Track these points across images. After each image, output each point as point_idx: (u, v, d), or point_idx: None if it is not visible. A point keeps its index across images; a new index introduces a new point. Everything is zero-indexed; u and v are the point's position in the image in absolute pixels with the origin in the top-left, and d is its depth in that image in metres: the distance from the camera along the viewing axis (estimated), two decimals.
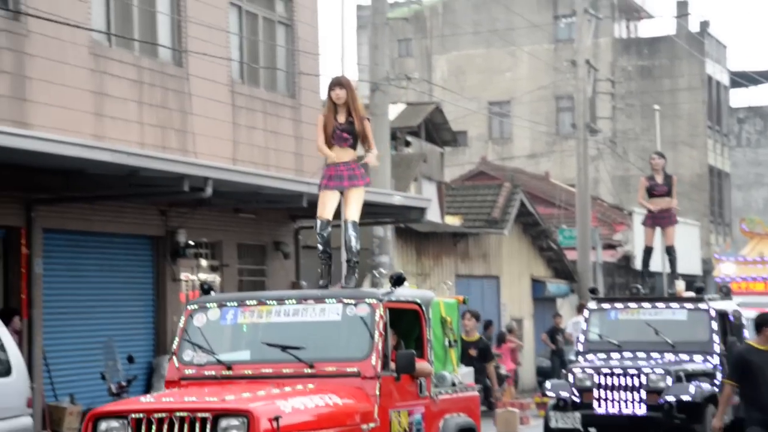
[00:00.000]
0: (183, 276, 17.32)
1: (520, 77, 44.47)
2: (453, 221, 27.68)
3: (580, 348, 15.03)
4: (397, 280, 9.01)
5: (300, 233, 20.68)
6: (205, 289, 9.18)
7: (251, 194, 16.51)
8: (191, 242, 17.15)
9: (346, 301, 8.68)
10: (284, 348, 8.56)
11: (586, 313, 15.30)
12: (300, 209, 17.71)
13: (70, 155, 12.63)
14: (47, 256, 14.69)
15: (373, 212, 19.68)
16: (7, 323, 11.18)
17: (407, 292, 9.27)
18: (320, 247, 9.25)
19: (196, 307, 8.94)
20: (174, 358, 8.81)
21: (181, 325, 8.86)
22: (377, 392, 8.55)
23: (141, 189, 14.87)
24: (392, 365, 8.72)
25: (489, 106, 44.17)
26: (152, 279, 16.84)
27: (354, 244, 9.17)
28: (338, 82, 9.40)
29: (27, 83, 14.14)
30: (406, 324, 9.40)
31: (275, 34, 19.93)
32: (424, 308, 9.32)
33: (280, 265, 19.93)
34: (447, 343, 9.90)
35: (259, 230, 19.35)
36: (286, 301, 8.77)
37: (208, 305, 8.90)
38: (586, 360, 14.78)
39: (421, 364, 9.03)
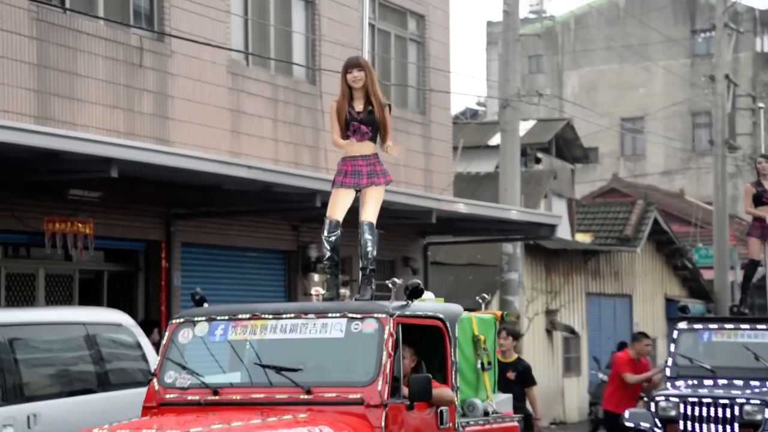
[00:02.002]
0: (314, 290, 17.87)
1: (655, 93, 44.23)
2: (584, 238, 27.81)
3: (668, 373, 13.41)
4: (414, 292, 7.74)
5: (429, 249, 21.13)
6: (197, 300, 7.98)
7: (381, 210, 16.96)
8: (322, 257, 17.73)
9: (350, 315, 7.52)
10: (279, 370, 7.43)
11: (675, 333, 13.71)
12: (429, 225, 18.15)
13: (208, 171, 13.28)
14: (185, 269, 15.43)
15: (501, 228, 20.03)
16: (147, 334, 11.84)
17: (428, 305, 8.09)
18: (327, 253, 8.14)
19: (181, 320, 7.83)
20: (154, 380, 7.72)
21: (164, 341, 7.80)
22: (383, 423, 7.30)
23: (275, 204, 15.51)
24: (405, 391, 7.56)
25: (621, 122, 44.05)
26: (284, 293, 17.47)
27: (370, 249, 8.12)
28: (357, 63, 8.27)
29: (169, 102, 14.90)
30: (429, 343, 8.22)
31: (407, 52, 20.46)
32: (448, 325, 8.08)
33: (408, 281, 20.41)
34: (479, 365, 8.60)
35: (388, 246, 19.83)
36: (284, 315, 7.62)
37: (195, 319, 7.77)
38: (673, 386, 13.18)
39: (440, 391, 7.84)
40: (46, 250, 13.09)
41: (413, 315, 7.77)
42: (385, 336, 7.43)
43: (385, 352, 7.39)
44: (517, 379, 12.29)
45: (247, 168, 13.92)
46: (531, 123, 28.27)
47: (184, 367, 7.67)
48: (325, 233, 8.14)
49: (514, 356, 12.44)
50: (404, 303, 7.68)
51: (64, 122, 13.09)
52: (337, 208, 8.24)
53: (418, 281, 7.82)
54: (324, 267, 8.23)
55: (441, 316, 8.06)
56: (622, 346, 22.79)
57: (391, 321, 7.50)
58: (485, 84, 53.73)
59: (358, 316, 7.52)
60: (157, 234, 15.00)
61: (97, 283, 14.59)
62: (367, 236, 8.14)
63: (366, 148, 8.24)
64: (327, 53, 17.92)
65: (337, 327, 7.52)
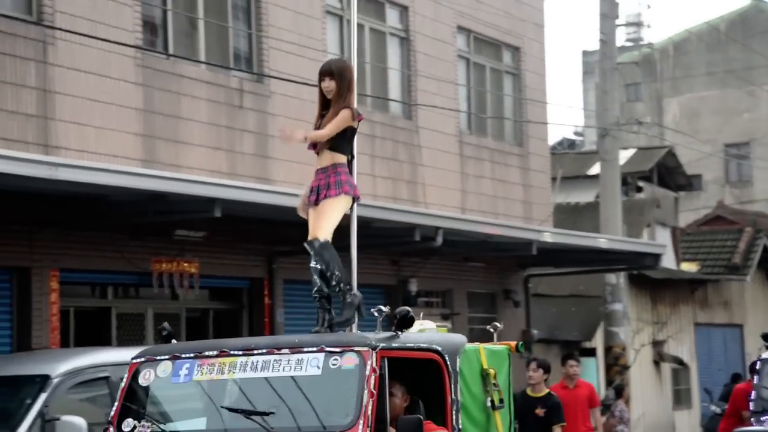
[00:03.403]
0: (417, 324, 18.34)
1: (761, 117, 43.91)
2: (689, 267, 27.81)
3: (752, 407, 12.30)
4: (403, 321, 6.86)
5: (530, 281, 21.42)
6: (164, 335, 7.31)
7: (480, 243, 17.40)
8: (422, 291, 18.18)
9: (328, 349, 6.68)
10: (248, 414, 6.65)
11: (758, 364, 12.53)
12: (529, 257, 18.47)
13: None
14: (287, 305, 15.97)
15: (604, 259, 20.25)
16: None
17: (421, 336, 7.25)
18: (316, 282, 7.30)
19: (142, 360, 7.06)
20: (111, 428, 6.94)
21: (122, 384, 7.08)
22: None
23: (374, 240, 15.99)
24: None
25: (725, 148, 43.78)
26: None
27: (329, 264, 7.21)
28: (327, 70, 7.49)
29: (269, 141, 15.53)
30: (429, 380, 7.34)
31: (502, 84, 20.88)
32: (446, 358, 7.18)
33: (510, 314, 20.72)
34: (489, 403, 7.69)
35: (488, 278, 20.22)
36: (254, 351, 6.81)
37: (157, 357, 7.02)
38: (759, 422, 12.10)
39: None
40: (154, 289, 13.73)
41: (402, 347, 6.88)
42: (367, 372, 6.56)
43: (366, 391, 6.52)
44: (546, 417, 11.36)
45: None
46: (631, 151, 28.43)
47: (143, 414, 6.91)
48: (312, 263, 7.26)
49: (545, 391, 11.52)
50: (391, 334, 6.84)
51: (169, 165, 13.75)
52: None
53: (407, 309, 6.94)
54: (315, 298, 7.36)
55: (437, 347, 7.15)
56: (736, 378, 22.49)
57: (374, 355, 6.60)
58: (582, 114, 53.80)
59: (337, 349, 6.66)
60: (260, 272, 15.58)
61: (203, 321, 15.20)
62: (318, 251, 7.20)
63: (324, 158, 7.51)
64: (423, 88, 18.43)
65: (313, 363, 6.69)
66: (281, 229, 15.04)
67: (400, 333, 6.86)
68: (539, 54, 21.61)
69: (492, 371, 7.69)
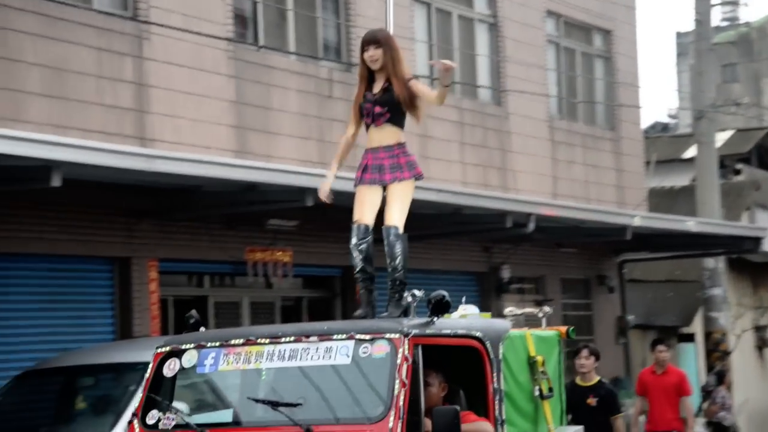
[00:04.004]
0: (507, 311, 18.74)
1: None
2: None
3: None
4: (438, 305, 6.59)
5: (624, 266, 21.67)
6: (192, 323, 7.10)
7: (573, 229, 17.74)
8: (515, 278, 18.57)
9: (359, 337, 6.48)
10: (275, 405, 6.47)
11: None
12: (623, 242, 18.74)
13: None
14: (380, 292, 16.44)
15: (701, 243, 20.42)
16: None
17: (459, 322, 7.04)
18: (357, 263, 7.10)
19: (167, 349, 6.92)
20: (135, 420, 6.84)
21: (147, 374, 6.95)
22: None
23: (465, 227, 16.43)
24: (429, 426, 6.52)
25: None
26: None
27: (399, 258, 7.03)
28: (373, 38, 7.12)
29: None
30: (471, 368, 7.15)
31: (593, 68, 21.15)
32: (488, 345, 6.97)
33: (605, 300, 21.02)
34: (538, 392, 7.49)
35: (581, 264, 20.52)
36: (282, 339, 6.64)
37: (183, 347, 6.87)
38: None
39: (475, 425, 6.85)
40: (249, 278, 14.33)
41: (438, 334, 6.67)
42: (398, 360, 6.33)
43: (398, 381, 6.29)
44: (599, 407, 11.03)
45: (436, 191, 14.88)
46: (728, 133, 28.41)
47: (168, 406, 6.77)
48: (354, 241, 7.06)
49: (596, 379, 11.23)
50: (426, 320, 6.61)
51: (261, 155, 14.32)
52: (364, 209, 7.13)
53: (443, 293, 6.61)
54: (357, 280, 7.17)
55: (477, 334, 6.92)
56: None
57: (406, 342, 6.39)
58: (676, 96, 53.46)
59: (367, 337, 6.46)
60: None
61: (297, 309, 15.78)
62: (393, 242, 7.01)
63: (386, 135, 7.15)
64: (512, 74, 18.79)
65: (343, 351, 6.50)
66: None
67: (435, 319, 6.61)
68: (631, 36, 21.82)
69: (540, 358, 7.43)
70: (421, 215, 15.55)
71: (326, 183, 7.47)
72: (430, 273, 17.49)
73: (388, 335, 6.44)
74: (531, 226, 15.89)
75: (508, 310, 8.06)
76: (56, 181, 10.32)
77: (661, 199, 24.56)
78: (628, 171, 21.44)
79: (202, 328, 7.08)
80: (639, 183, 21.84)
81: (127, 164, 10.91)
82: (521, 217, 15.80)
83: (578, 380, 11.06)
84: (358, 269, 7.11)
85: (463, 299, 7.62)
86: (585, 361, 11.15)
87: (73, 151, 10.47)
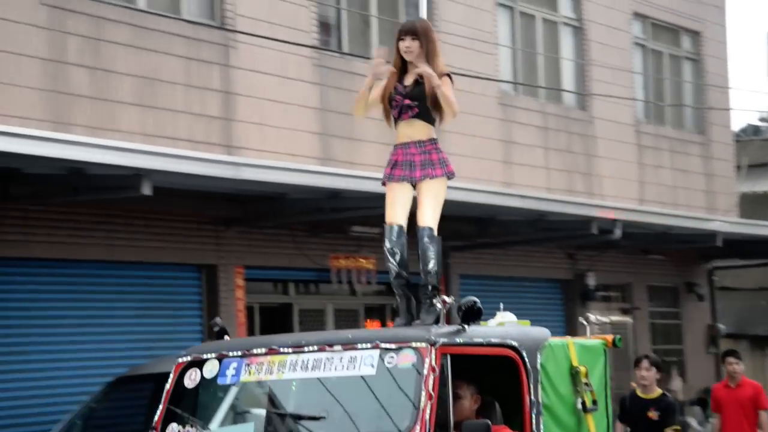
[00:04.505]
0: (593, 319, 19.07)
1: None
2: None
3: None
4: (469, 313, 6.44)
5: (714, 274, 21.86)
6: (217, 331, 7.07)
7: (660, 235, 18.04)
8: (600, 285, 18.91)
9: (384, 346, 6.36)
10: (297, 418, 6.47)
11: None
12: (713, 249, 18.99)
13: (482, 203, 14.74)
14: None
15: None
16: None
17: (493, 330, 6.88)
18: (392, 268, 6.90)
19: (189, 359, 6.87)
20: None
21: (167, 385, 6.90)
22: None
23: (549, 233, 16.83)
24: None
25: None
26: (563, 323, 18.71)
27: (432, 262, 6.85)
28: (411, 29, 6.96)
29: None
30: (507, 379, 6.97)
31: (681, 71, 21.42)
32: (524, 354, 6.77)
33: (694, 308, 21.27)
34: (580, 405, 7.24)
35: (669, 271, 20.79)
36: (305, 348, 6.55)
37: (204, 357, 6.83)
38: None
39: None
40: (333, 285, 14.87)
41: (469, 343, 6.49)
42: (425, 371, 6.20)
43: (424, 393, 6.16)
44: (661, 421, 10.70)
45: (520, 198, 15.32)
46: None
47: (189, 418, 6.73)
48: (387, 244, 6.88)
49: (658, 392, 10.81)
50: (456, 328, 6.46)
51: (344, 162, 14.85)
52: (396, 209, 6.92)
53: (474, 299, 6.45)
54: (393, 287, 6.96)
55: (513, 342, 6.73)
56: None
57: (434, 351, 6.25)
58: None
59: (393, 346, 6.33)
60: None
61: (381, 316, 16.28)
62: (426, 245, 6.84)
63: (416, 129, 6.98)
64: (597, 78, 19.15)
65: (367, 361, 6.38)
66: (456, 224, 16.01)
67: (466, 327, 6.46)
68: (720, 38, 22.04)
69: (583, 369, 7.24)
70: (504, 221, 16.02)
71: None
72: (514, 280, 17.91)
73: (414, 344, 6.30)
74: (617, 233, 16.23)
75: (592, 318, 7.78)
76: (146, 190, 10.91)
77: (754, 205, 24.66)
78: (717, 175, 21.66)
79: (227, 337, 6.97)
80: (729, 188, 22.04)
81: (215, 172, 11.47)
82: (607, 224, 16.15)
83: (639, 392, 10.79)
84: (393, 275, 6.90)
85: (501, 306, 7.56)
86: (645, 372, 10.78)
87: (162, 159, 11.08)
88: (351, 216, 14.10)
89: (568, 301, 18.86)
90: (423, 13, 16.56)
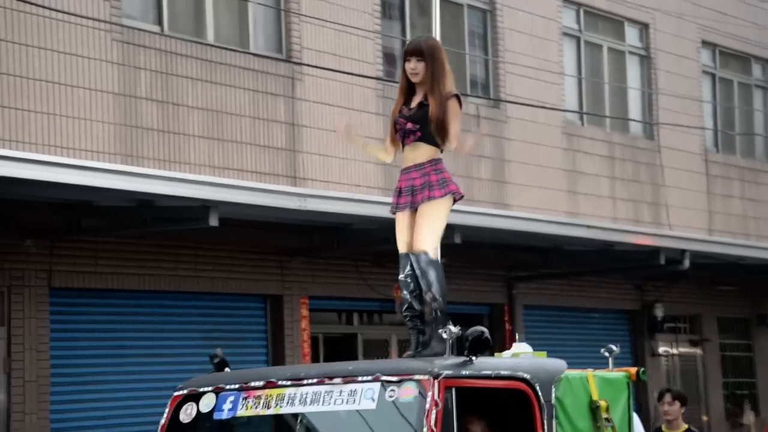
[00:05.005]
0: (662, 350, 19.46)
1: None
2: None
3: None
4: (476, 343, 6.29)
5: None
6: (216, 363, 6.99)
7: (731, 265, 18.38)
8: (669, 316, 19.24)
9: (385, 378, 6.25)
10: None
11: None
12: None
13: (548, 233, 15.22)
14: (529, 331, 17.37)
15: None
16: None
17: (503, 362, 6.72)
18: (404, 299, 6.82)
19: (185, 392, 6.82)
20: None
21: (162, 420, 6.86)
22: None
23: (616, 264, 17.25)
24: None
25: None
26: (630, 354, 19.07)
27: (433, 286, 6.69)
28: (416, 49, 6.84)
29: (506, 166, 17.03)
30: (521, 414, 6.79)
31: (752, 98, 21.77)
32: (537, 388, 6.60)
33: (766, 340, 21.51)
34: None
35: (740, 303, 21.09)
36: (304, 381, 6.48)
37: (201, 390, 6.76)
38: None
39: None
40: (397, 315, 15.38)
41: (476, 375, 6.33)
42: (427, 405, 6.06)
43: (426, 428, 6.02)
44: None
45: (586, 228, 15.77)
46: None
47: None
48: (401, 275, 6.79)
49: (684, 426, 10.71)
50: (462, 359, 6.30)
51: None
52: (404, 238, 6.83)
53: (482, 329, 6.30)
54: (404, 318, 6.91)
55: (524, 375, 6.55)
56: None
57: (437, 384, 6.10)
58: None
59: (394, 378, 6.20)
60: (500, 297, 17.06)
61: (443, 348, 16.74)
62: (424, 269, 6.68)
63: (419, 153, 6.81)
64: (664, 106, 19.58)
65: (368, 395, 6.26)
66: (520, 254, 16.51)
67: (474, 358, 6.30)
68: None
69: (604, 403, 7.03)
70: (570, 252, 16.48)
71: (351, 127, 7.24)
72: (579, 311, 18.33)
73: (416, 377, 6.14)
74: (686, 263, 16.59)
75: (515, 347, 7.43)
76: (213, 221, 11.53)
77: None
78: None
79: (227, 369, 6.92)
80: None
81: (281, 203, 12.07)
82: (675, 254, 16.52)
83: (664, 428, 10.69)
84: (404, 307, 6.81)
85: (517, 336, 7.57)
86: (668, 407, 10.59)
87: (229, 191, 11.70)
88: None
89: (635, 333, 19.22)
90: (489, 45, 17.12)
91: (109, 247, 12.43)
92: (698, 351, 20.33)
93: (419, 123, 6.74)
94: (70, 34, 12.04)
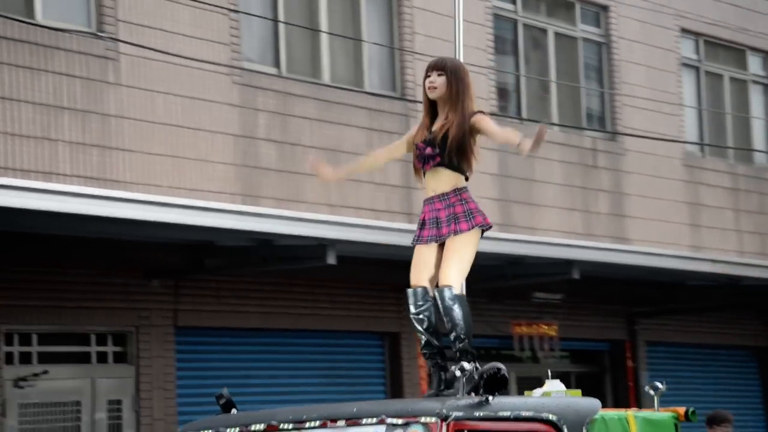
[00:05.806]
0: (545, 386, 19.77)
1: None
2: None
3: None
4: (492, 381, 6.12)
5: None
6: (222, 404, 6.98)
7: None
8: None
9: (390, 421, 6.21)
10: None
11: None
12: None
13: (670, 268, 15.82)
14: (651, 369, 17.90)
15: None
16: None
17: (524, 402, 6.50)
18: (420, 336, 6.69)
19: None
20: None
21: None
22: None
23: (743, 299, 17.71)
24: None
25: None
26: (759, 392, 19.49)
27: (458, 323, 6.53)
28: (437, 64, 6.76)
29: (625, 200, 17.69)
30: None
31: None
32: (565, 430, 6.41)
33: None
34: None
35: None
36: (307, 424, 6.48)
37: None
38: None
39: None
40: (516, 352, 16.12)
41: (492, 417, 6.15)
42: None
43: None
44: None
45: (710, 262, 16.33)
46: None
47: None
48: (412, 309, 6.68)
49: None
50: (478, 399, 6.15)
51: (524, 227, 16.14)
52: (419, 270, 6.69)
53: (499, 365, 6.14)
54: (424, 356, 6.79)
55: (550, 417, 6.35)
56: None
57: (445, 427, 6.01)
58: None
59: (399, 421, 6.14)
60: (621, 333, 17.66)
61: (565, 384, 17.34)
62: (449, 306, 6.55)
63: (441, 181, 6.69)
64: None
65: None
66: (641, 289, 17.10)
67: (491, 398, 6.12)
68: None
69: None
70: (694, 287, 17.00)
71: (325, 166, 7.10)
72: (705, 348, 18.79)
73: (423, 419, 6.04)
74: None
75: (547, 384, 7.20)
76: (331, 259, 12.42)
77: None
78: None
79: (234, 410, 6.92)
80: None
81: (397, 240, 12.85)
82: None
83: None
84: (423, 344, 6.69)
85: (548, 372, 7.52)
86: None
87: (346, 229, 12.58)
88: (532, 282, 15.33)
89: (765, 371, 19.60)
90: (605, 78, 17.81)
91: (231, 286, 13.37)
92: None
93: (438, 147, 6.63)
94: (192, 79, 13.10)
